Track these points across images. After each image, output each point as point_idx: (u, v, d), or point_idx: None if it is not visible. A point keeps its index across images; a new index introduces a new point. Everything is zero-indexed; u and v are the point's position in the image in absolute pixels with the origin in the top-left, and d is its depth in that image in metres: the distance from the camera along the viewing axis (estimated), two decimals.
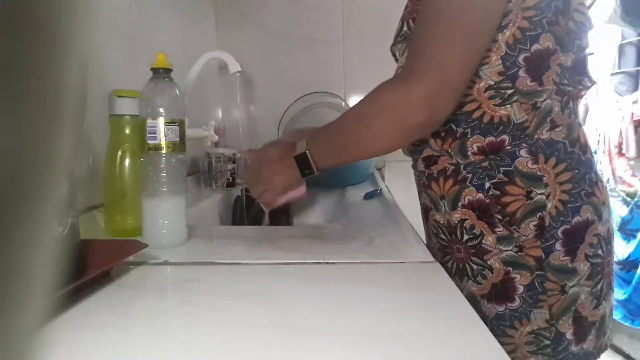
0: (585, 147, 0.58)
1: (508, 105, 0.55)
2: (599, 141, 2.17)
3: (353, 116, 0.59)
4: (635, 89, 2.09)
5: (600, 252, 0.56)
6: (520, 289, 0.56)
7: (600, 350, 0.58)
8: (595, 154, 2.16)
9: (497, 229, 0.57)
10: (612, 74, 2.21)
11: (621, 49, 2.18)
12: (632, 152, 2.00)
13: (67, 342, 0.35)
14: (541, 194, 0.55)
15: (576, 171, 0.55)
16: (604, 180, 0.60)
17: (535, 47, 0.53)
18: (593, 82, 0.59)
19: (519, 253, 0.56)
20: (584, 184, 0.56)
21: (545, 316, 0.55)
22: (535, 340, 0.56)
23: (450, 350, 0.33)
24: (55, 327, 0.37)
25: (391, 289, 0.46)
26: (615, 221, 1.94)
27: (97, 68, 0.73)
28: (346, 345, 0.34)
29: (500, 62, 0.54)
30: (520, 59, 0.54)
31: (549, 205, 0.54)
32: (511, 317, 0.57)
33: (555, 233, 0.55)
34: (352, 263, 0.53)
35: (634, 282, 1.84)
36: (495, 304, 0.58)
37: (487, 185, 0.57)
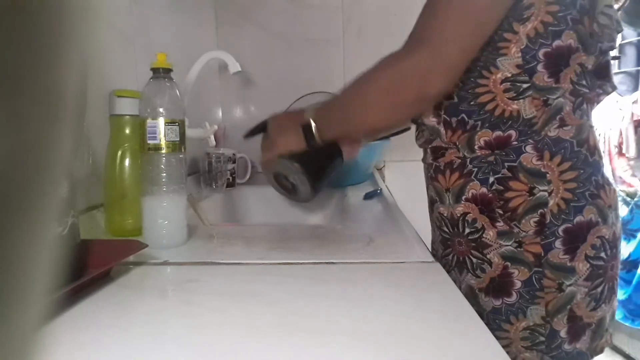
0: (594, 149, 0.57)
1: (521, 100, 0.55)
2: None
3: (352, 88, 0.60)
4: (635, 89, 2.09)
5: (603, 254, 0.56)
6: (518, 284, 0.56)
7: (595, 352, 0.58)
8: None
9: (498, 224, 0.57)
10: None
11: (621, 49, 2.17)
12: (632, 152, 2.00)
13: (67, 342, 0.35)
14: (544, 190, 0.55)
15: (582, 171, 0.55)
16: (613, 184, 0.60)
17: (556, 43, 0.53)
18: (614, 88, 0.58)
19: (518, 249, 0.56)
20: (589, 184, 0.55)
21: (541, 313, 0.56)
22: (531, 336, 0.57)
23: (450, 350, 0.33)
24: (55, 327, 0.37)
25: (391, 289, 0.46)
26: None
27: (97, 68, 0.73)
28: (346, 345, 0.34)
29: (519, 54, 0.53)
30: (541, 53, 0.53)
31: (551, 202, 0.54)
32: (507, 312, 0.57)
33: (556, 231, 0.55)
34: (352, 263, 0.53)
35: (634, 282, 1.84)
36: (492, 298, 0.58)
37: (491, 179, 0.57)
